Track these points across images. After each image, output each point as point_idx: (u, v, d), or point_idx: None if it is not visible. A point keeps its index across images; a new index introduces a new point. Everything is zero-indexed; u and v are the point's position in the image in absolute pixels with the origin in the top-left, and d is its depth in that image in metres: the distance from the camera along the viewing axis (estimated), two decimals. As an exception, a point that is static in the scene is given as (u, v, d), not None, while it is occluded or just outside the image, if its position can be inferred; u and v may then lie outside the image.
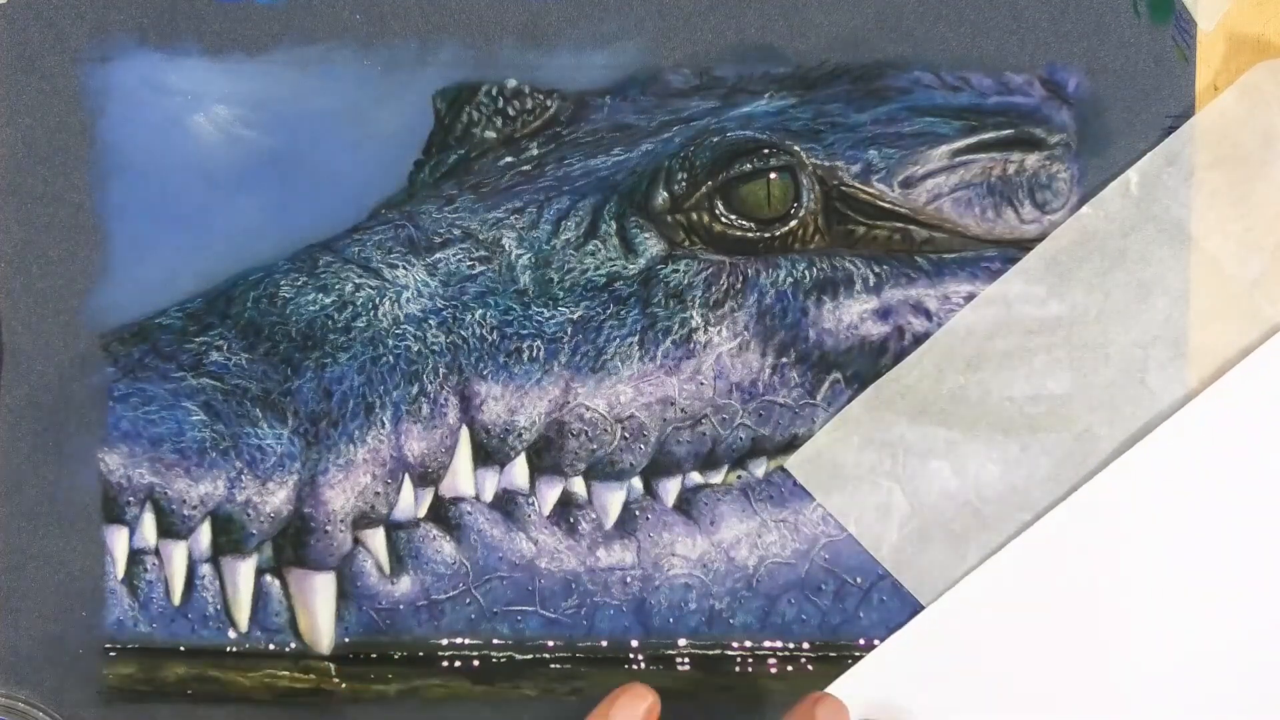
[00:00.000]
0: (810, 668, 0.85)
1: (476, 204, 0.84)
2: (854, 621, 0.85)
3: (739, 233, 0.83)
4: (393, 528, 0.83)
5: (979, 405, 0.84)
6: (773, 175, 0.83)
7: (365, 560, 0.83)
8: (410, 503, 0.82)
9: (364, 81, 0.83)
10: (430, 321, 0.82)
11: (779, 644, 0.85)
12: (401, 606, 0.83)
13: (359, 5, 0.83)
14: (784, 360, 0.84)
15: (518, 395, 0.82)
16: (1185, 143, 0.84)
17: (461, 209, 0.84)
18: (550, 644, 0.84)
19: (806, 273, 0.83)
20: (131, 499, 0.81)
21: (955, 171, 0.84)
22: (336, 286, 0.82)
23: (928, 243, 0.84)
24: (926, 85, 0.84)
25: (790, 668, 0.85)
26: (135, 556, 0.82)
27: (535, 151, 0.86)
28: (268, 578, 0.83)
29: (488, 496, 0.83)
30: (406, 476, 0.82)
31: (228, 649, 0.84)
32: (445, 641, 0.84)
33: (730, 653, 0.85)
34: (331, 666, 0.84)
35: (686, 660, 0.85)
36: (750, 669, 0.85)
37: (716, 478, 0.85)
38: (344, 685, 0.84)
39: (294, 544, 0.82)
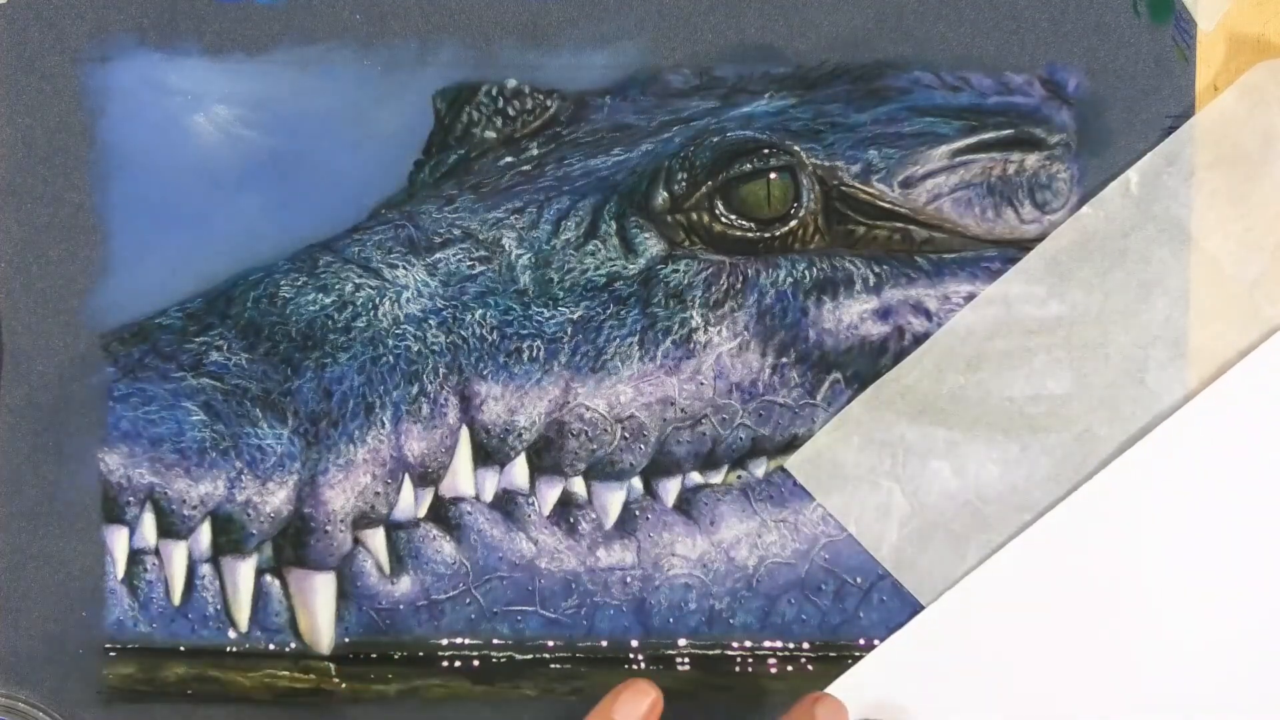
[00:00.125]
0: (810, 668, 0.85)
1: (476, 204, 0.84)
2: (854, 621, 0.85)
3: (739, 233, 0.83)
4: (393, 528, 0.83)
5: (979, 405, 0.84)
6: (773, 175, 0.83)
7: (365, 560, 0.83)
8: (410, 503, 0.82)
9: (364, 81, 0.83)
10: (430, 321, 0.82)
11: (779, 644, 0.85)
12: (401, 606, 0.83)
13: (359, 5, 0.83)
14: (784, 360, 0.84)
15: (518, 395, 0.82)
16: (1185, 143, 0.84)
17: (461, 209, 0.84)
18: (550, 644, 0.84)
19: (806, 273, 0.83)
20: (131, 499, 0.81)
21: (955, 171, 0.84)
22: (336, 286, 0.82)
23: (928, 243, 0.84)
24: (926, 85, 0.84)
25: (790, 668, 0.85)
26: (135, 556, 0.82)
27: (535, 151, 0.85)
28: (268, 578, 0.83)
29: (488, 496, 0.83)
30: (406, 476, 0.82)
31: (228, 649, 0.84)
32: (445, 641, 0.84)
33: (730, 653, 0.85)
34: (331, 666, 0.84)
35: (686, 660, 0.85)
36: (750, 669, 0.85)
37: (716, 478, 0.85)
38: (344, 685, 0.84)
39: (294, 544, 0.82)
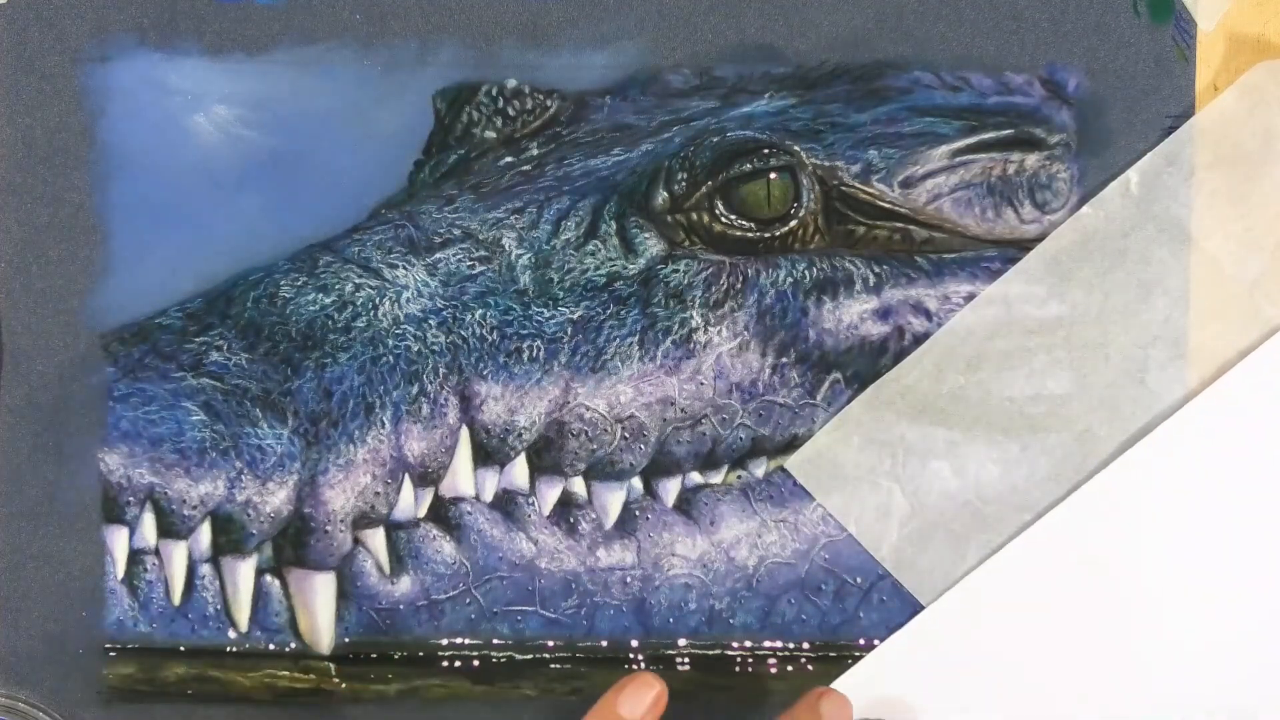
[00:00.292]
0: (810, 668, 0.85)
1: (476, 204, 0.84)
2: (854, 621, 0.85)
3: (739, 233, 0.83)
4: (393, 528, 0.83)
5: (979, 405, 0.84)
6: (773, 175, 0.83)
7: (365, 560, 0.83)
8: (410, 503, 0.82)
9: (364, 81, 0.83)
10: (430, 321, 0.82)
11: (779, 644, 0.85)
12: (401, 606, 0.83)
13: (359, 5, 0.83)
14: (784, 360, 0.84)
15: (518, 395, 0.82)
16: (1185, 143, 0.84)
17: (461, 209, 0.84)
18: (550, 644, 0.84)
19: (806, 273, 0.83)
20: (131, 499, 0.81)
21: (955, 171, 0.84)
22: (336, 286, 0.82)
23: (928, 243, 0.84)
24: (926, 85, 0.84)
25: (790, 668, 0.85)
26: (135, 556, 0.82)
27: (535, 151, 0.85)
28: (268, 578, 0.83)
29: (488, 496, 0.83)
30: (406, 476, 0.82)
31: (228, 649, 0.84)
32: (445, 641, 0.84)
33: (730, 653, 0.85)
34: (331, 666, 0.84)
35: (686, 660, 0.85)
36: (750, 669, 0.85)
37: (716, 478, 0.85)
38: (344, 685, 0.84)
39: (294, 544, 0.82)
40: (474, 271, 0.83)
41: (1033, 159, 0.84)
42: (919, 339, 0.84)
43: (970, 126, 0.84)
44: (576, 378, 0.82)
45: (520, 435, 0.82)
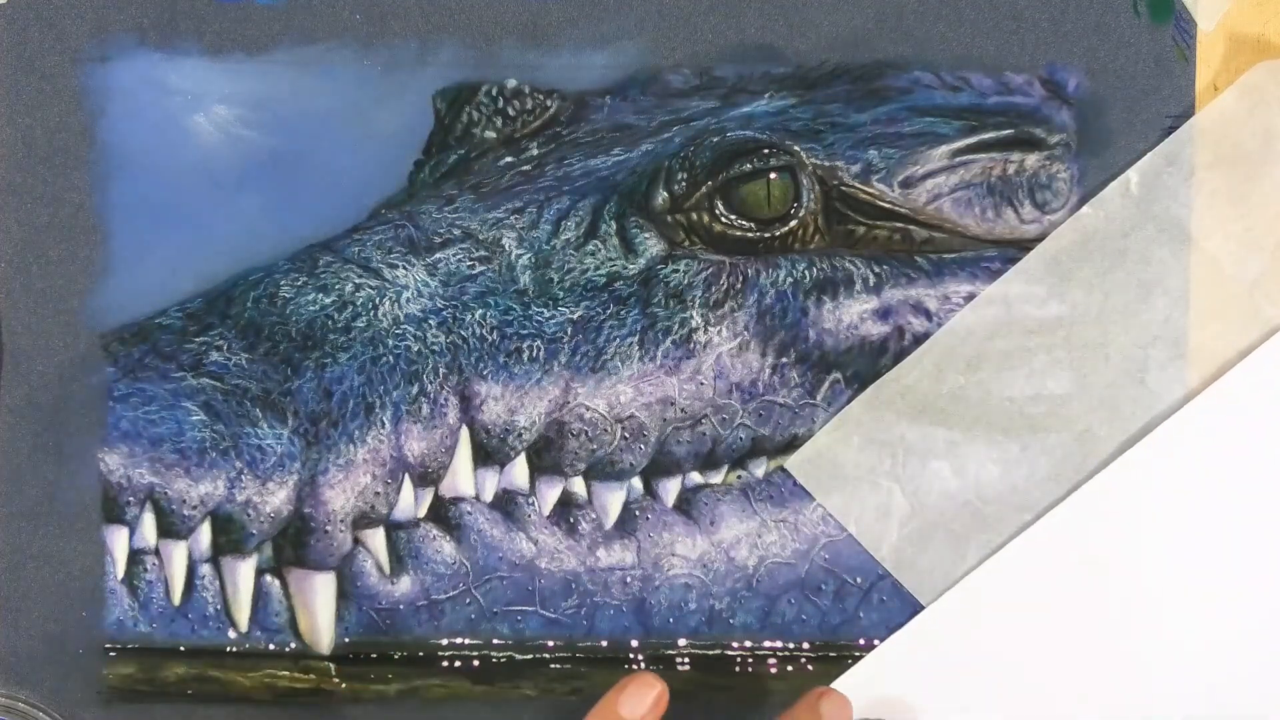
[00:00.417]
0: (810, 668, 0.85)
1: (476, 204, 0.84)
2: (854, 621, 0.85)
3: (739, 233, 0.83)
4: (393, 528, 0.83)
5: (979, 405, 0.84)
6: (773, 175, 0.83)
7: (365, 560, 0.83)
8: (410, 503, 0.82)
9: (364, 81, 0.83)
10: (430, 321, 0.82)
11: (779, 644, 0.85)
12: (401, 606, 0.83)
13: (359, 5, 0.83)
14: (784, 360, 0.84)
15: (518, 395, 0.82)
16: (1185, 143, 0.84)
17: (461, 209, 0.84)
18: (550, 644, 0.84)
19: (806, 273, 0.83)
20: (131, 499, 0.81)
21: (955, 171, 0.84)
22: (336, 286, 0.82)
23: (928, 243, 0.84)
24: (926, 85, 0.84)
25: (790, 668, 0.85)
26: (135, 556, 0.82)
27: (535, 151, 0.85)
28: (268, 578, 0.83)
29: (488, 496, 0.83)
30: (406, 476, 0.82)
31: (228, 649, 0.84)
32: (445, 641, 0.84)
33: (730, 653, 0.85)
34: (331, 666, 0.84)
35: (686, 660, 0.85)
36: (750, 669, 0.85)
37: (716, 478, 0.85)
38: (344, 685, 0.84)
39: (294, 544, 0.82)
40: (474, 271, 0.83)
41: (1033, 159, 0.84)
42: (919, 339, 0.84)
43: (970, 126, 0.84)
44: (576, 378, 0.82)
45: (520, 435, 0.82)
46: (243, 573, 0.82)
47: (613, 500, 0.84)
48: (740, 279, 0.83)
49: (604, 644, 0.85)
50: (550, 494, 0.84)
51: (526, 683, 0.84)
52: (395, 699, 0.84)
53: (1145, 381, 0.84)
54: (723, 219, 0.83)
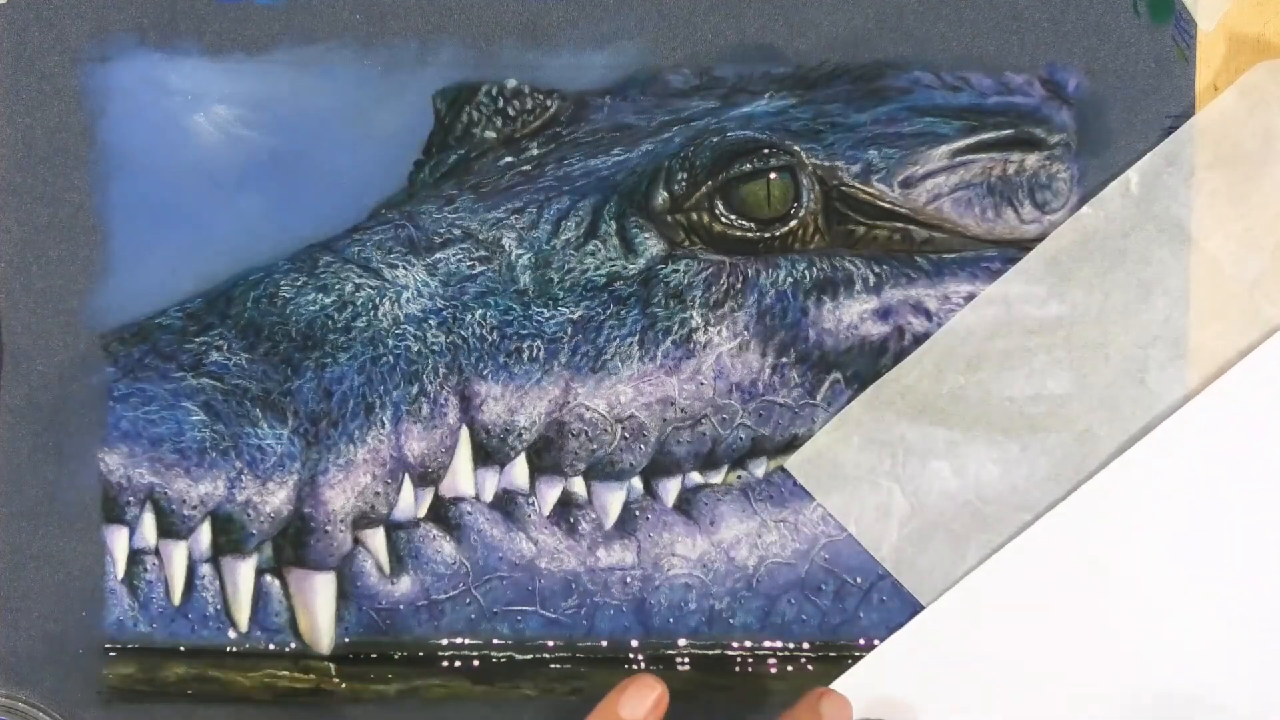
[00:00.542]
0: (810, 668, 0.85)
1: (476, 204, 0.84)
2: (854, 621, 0.85)
3: (739, 233, 0.83)
4: (393, 528, 0.83)
5: (979, 405, 0.84)
6: (773, 175, 0.83)
7: (365, 560, 0.83)
8: (410, 503, 0.82)
9: (364, 81, 0.83)
10: (430, 321, 0.82)
11: (779, 644, 0.85)
12: (401, 606, 0.83)
13: (359, 5, 0.83)
14: (784, 360, 0.84)
15: (518, 395, 0.82)
16: (1185, 143, 0.84)
17: (461, 209, 0.84)
18: (550, 644, 0.84)
19: (806, 273, 0.83)
20: (131, 499, 0.81)
21: (955, 171, 0.84)
22: (336, 286, 0.82)
23: (928, 243, 0.84)
24: (926, 85, 0.84)
25: (790, 668, 0.85)
26: (135, 556, 0.82)
27: (535, 151, 0.85)
28: (268, 578, 0.83)
29: (488, 496, 0.83)
30: (406, 476, 0.82)
31: (228, 649, 0.84)
32: (445, 641, 0.84)
33: (730, 653, 0.85)
34: (331, 666, 0.84)
35: (686, 660, 0.85)
36: (750, 669, 0.85)
37: (716, 478, 0.85)
38: (344, 685, 0.84)
39: (294, 544, 0.82)
40: (474, 271, 0.83)
41: (1033, 159, 0.84)
42: (919, 339, 0.84)
43: (970, 126, 0.84)
44: (576, 378, 0.82)
45: (520, 435, 0.82)
46: (243, 573, 0.82)
47: (613, 500, 0.84)
48: (740, 279, 0.83)
49: (604, 644, 0.85)
50: (550, 494, 0.84)
51: (526, 683, 0.84)
52: (395, 699, 0.84)
53: (1145, 381, 0.84)
54: (723, 219, 0.83)
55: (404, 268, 0.83)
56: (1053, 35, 0.84)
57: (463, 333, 0.82)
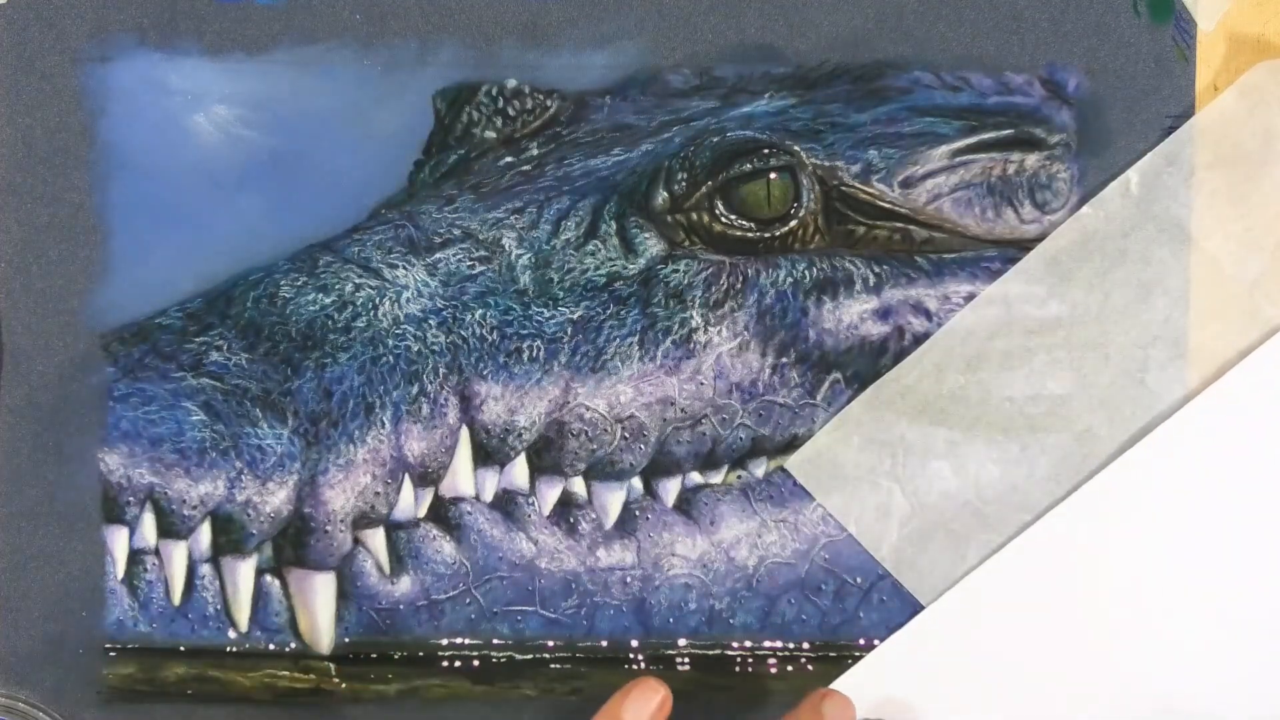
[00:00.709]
0: (810, 668, 0.85)
1: (476, 204, 0.84)
2: (854, 621, 0.85)
3: (739, 233, 0.83)
4: (393, 528, 0.83)
5: (979, 405, 0.84)
6: (773, 175, 0.83)
7: (365, 560, 0.83)
8: (410, 503, 0.82)
9: (364, 81, 0.83)
10: (430, 321, 0.82)
11: (779, 644, 0.85)
12: (401, 606, 0.83)
13: (359, 5, 0.83)
14: (784, 360, 0.84)
15: (518, 395, 0.82)
16: (1185, 143, 0.84)
17: (461, 209, 0.84)
18: (550, 644, 0.84)
19: (806, 273, 0.83)
20: (131, 499, 0.81)
21: (955, 171, 0.84)
22: (336, 286, 0.82)
23: (928, 243, 0.84)
24: (926, 85, 0.84)
25: (790, 668, 0.85)
26: (135, 556, 0.82)
27: (535, 151, 0.86)
28: (268, 578, 0.83)
29: (488, 496, 0.83)
30: (406, 476, 0.82)
31: (228, 649, 0.84)
32: (445, 641, 0.84)
33: (730, 653, 0.85)
34: (331, 666, 0.84)
35: (686, 660, 0.85)
36: (750, 669, 0.85)
37: (716, 478, 0.85)
38: (344, 685, 0.84)
39: (294, 544, 0.82)
40: (474, 271, 0.83)
41: (1033, 159, 0.84)
42: (919, 339, 0.84)
43: (970, 126, 0.84)
44: (576, 378, 0.82)
45: (520, 435, 0.82)
46: (243, 573, 0.82)
47: (613, 500, 0.84)
48: (740, 279, 0.83)
49: (604, 644, 0.85)
50: (550, 494, 0.84)
51: (526, 683, 0.84)
52: (395, 699, 0.84)
53: (1145, 381, 0.84)
54: (723, 219, 0.83)
55: (404, 268, 0.83)
56: (1053, 35, 0.84)
57: (463, 333, 0.82)
